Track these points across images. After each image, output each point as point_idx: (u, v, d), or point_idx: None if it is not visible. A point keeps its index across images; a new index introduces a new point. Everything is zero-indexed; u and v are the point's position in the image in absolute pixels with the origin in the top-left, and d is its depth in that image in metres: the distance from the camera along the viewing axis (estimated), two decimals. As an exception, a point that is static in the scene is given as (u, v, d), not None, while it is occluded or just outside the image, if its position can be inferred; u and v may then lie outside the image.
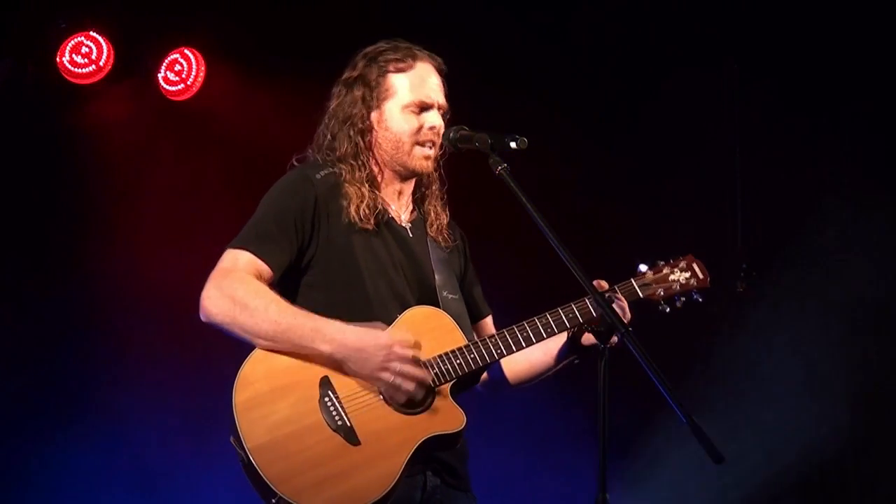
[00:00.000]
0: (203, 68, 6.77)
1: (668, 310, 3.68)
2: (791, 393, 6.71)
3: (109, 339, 6.63)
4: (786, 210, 6.73)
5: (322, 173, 3.67)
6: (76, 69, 6.54)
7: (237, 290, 3.46)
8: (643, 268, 3.69)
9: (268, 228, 3.57)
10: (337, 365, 3.45)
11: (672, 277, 3.69)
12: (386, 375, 3.42)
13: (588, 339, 3.61)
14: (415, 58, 3.74)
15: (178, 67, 6.73)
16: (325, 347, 3.43)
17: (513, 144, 3.49)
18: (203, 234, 6.27)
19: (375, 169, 3.74)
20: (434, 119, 3.70)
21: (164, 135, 6.78)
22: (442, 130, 3.72)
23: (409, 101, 3.69)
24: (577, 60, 6.86)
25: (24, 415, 6.53)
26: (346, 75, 3.78)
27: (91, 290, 6.64)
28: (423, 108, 3.70)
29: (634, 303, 3.63)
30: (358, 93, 3.72)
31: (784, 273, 6.67)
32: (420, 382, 3.43)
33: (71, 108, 6.68)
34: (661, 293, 3.67)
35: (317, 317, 3.46)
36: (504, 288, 6.33)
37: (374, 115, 3.72)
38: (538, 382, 3.85)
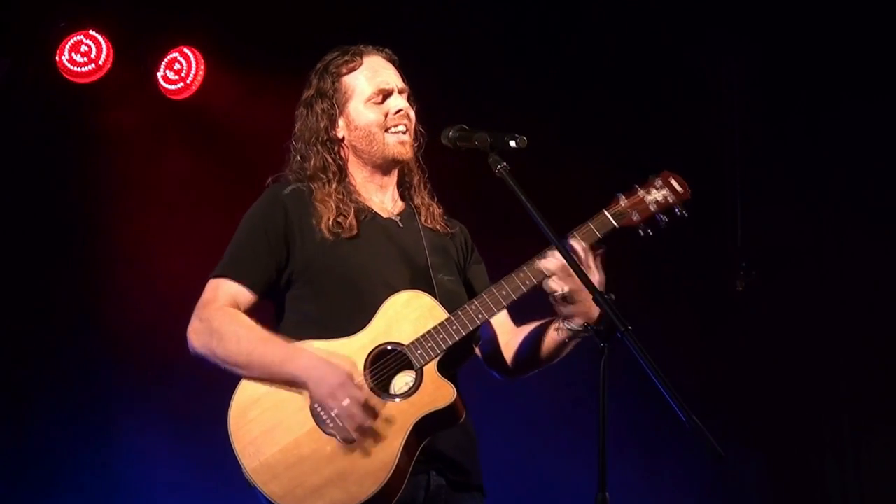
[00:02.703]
0: (202, 67, 6.76)
1: (650, 232, 3.58)
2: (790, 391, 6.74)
3: (104, 333, 6.62)
4: (786, 210, 6.74)
5: (290, 188, 3.70)
6: (75, 68, 6.52)
7: (213, 320, 3.54)
8: (620, 196, 3.59)
9: (242, 252, 3.63)
10: None
11: (648, 198, 3.58)
12: (330, 404, 3.40)
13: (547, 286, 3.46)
14: (362, 54, 3.78)
15: (177, 66, 6.72)
16: (293, 369, 3.45)
17: (512, 143, 3.46)
18: (203, 232, 6.27)
19: (355, 173, 3.76)
20: (398, 102, 3.73)
21: (163, 133, 6.77)
22: (411, 113, 3.75)
23: (369, 94, 3.72)
24: (578, 60, 6.86)
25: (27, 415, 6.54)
26: (304, 96, 3.82)
27: (91, 289, 6.63)
28: (385, 95, 3.73)
29: (611, 233, 3.53)
30: (318, 108, 3.76)
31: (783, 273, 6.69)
32: (360, 424, 3.39)
33: (70, 107, 6.67)
34: (638, 217, 3.56)
35: (286, 344, 3.50)
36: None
37: (341, 122, 3.75)
38: (541, 372, 3.77)
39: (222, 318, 3.53)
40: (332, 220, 3.62)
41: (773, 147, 6.74)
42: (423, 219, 3.78)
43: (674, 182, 3.62)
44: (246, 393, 3.51)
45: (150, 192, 6.71)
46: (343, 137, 3.76)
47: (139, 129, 6.75)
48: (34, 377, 6.57)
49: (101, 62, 6.54)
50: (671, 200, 3.60)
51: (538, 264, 3.50)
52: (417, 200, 3.82)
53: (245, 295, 3.60)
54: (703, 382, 6.65)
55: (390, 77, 3.76)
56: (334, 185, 3.69)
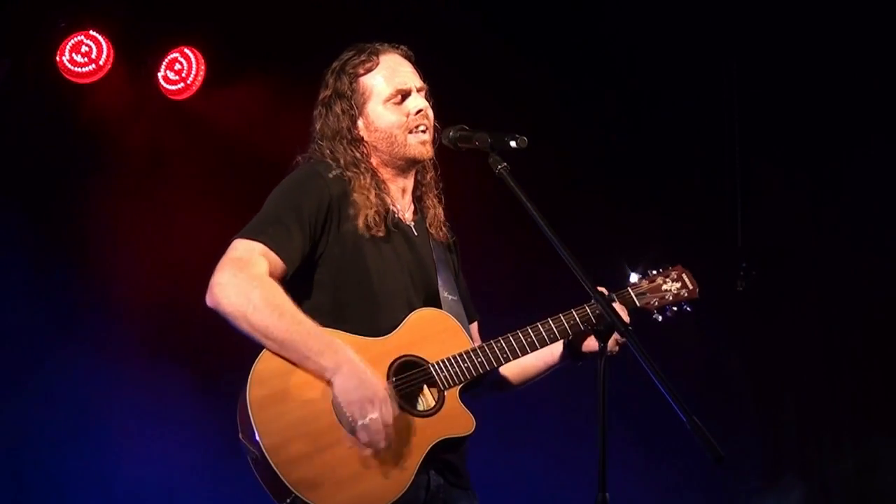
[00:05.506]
0: (203, 67, 6.77)
1: (660, 319, 3.74)
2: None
3: (102, 336, 6.62)
4: (786, 210, 6.74)
5: (333, 173, 3.64)
6: (76, 68, 6.52)
7: (255, 288, 3.39)
8: (634, 277, 3.74)
9: (283, 222, 3.51)
10: None
11: (665, 287, 3.74)
12: (358, 416, 3.34)
13: (588, 345, 3.65)
14: (378, 53, 3.73)
15: (177, 66, 6.73)
16: (327, 362, 3.37)
17: (513, 144, 3.47)
18: (204, 232, 6.27)
19: (380, 171, 3.73)
20: (418, 102, 3.70)
21: (163, 134, 6.77)
22: (429, 111, 3.72)
23: (388, 94, 3.69)
24: (578, 61, 6.86)
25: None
26: (321, 96, 3.77)
27: (91, 291, 6.64)
28: (403, 95, 3.69)
29: (632, 311, 3.68)
30: (337, 108, 3.71)
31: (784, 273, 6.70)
32: (379, 444, 3.35)
33: (71, 108, 6.66)
34: (656, 303, 3.73)
35: (324, 334, 3.42)
36: (504, 288, 6.37)
37: (360, 123, 3.71)
38: (535, 382, 3.86)
39: (264, 287, 3.39)
40: (371, 215, 3.59)
41: (774, 146, 6.74)
42: (428, 224, 3.78)
43: (686, 279, 3.78)
44: (269, 364, 3.39)
45: (150, 192, 6.71)
46: (363, 138, 3.72)
47: (140, 129, 6.75)
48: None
49: (101, 62, 6.54)
50: (683, 295, 3.76)
51: (566, 323, 3.59)
52: (427, 202, 3.80)
53: (278, 265, 3.48)
54: (703, 382, 6.66)
55: (408, 76, 3.72)
56: (368, 179, 3.65)
